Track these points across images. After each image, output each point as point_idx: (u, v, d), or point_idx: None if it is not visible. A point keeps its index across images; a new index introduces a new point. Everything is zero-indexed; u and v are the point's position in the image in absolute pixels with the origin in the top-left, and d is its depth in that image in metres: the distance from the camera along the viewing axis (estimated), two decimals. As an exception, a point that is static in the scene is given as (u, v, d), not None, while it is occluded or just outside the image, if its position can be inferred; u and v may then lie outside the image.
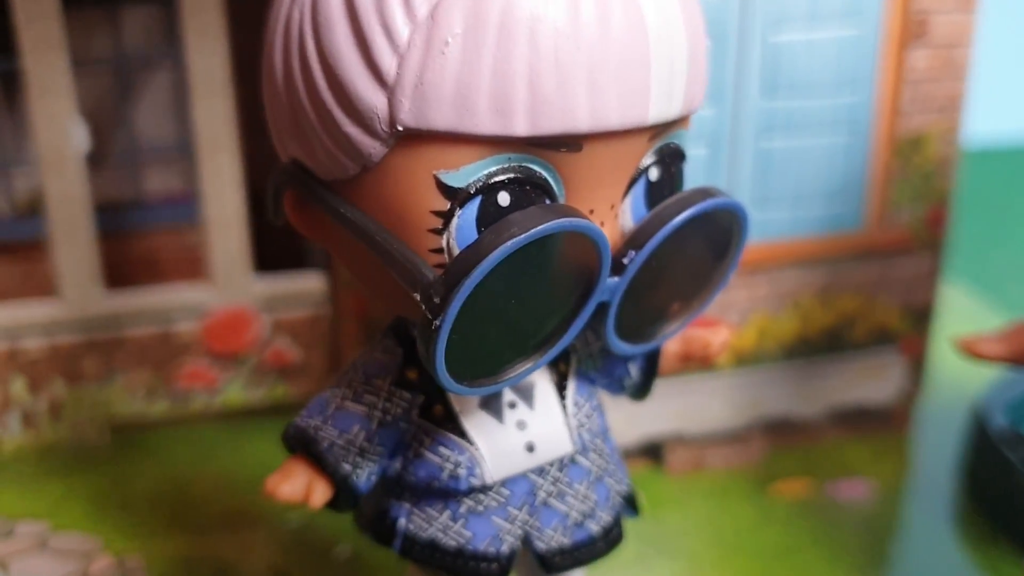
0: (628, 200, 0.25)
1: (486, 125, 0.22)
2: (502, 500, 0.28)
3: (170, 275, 0.52)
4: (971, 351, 0.39)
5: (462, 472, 0.27)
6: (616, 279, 0.24)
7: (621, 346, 0.26)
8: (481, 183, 0.23)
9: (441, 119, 0.22)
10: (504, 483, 0.28)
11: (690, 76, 0.24)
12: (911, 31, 0.43)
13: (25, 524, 0.43)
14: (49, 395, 0.50)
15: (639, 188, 0.25)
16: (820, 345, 0.47)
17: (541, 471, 0.28)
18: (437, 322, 0.22)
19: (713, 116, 0.42)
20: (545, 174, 0.23)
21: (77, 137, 0.47)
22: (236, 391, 0.51)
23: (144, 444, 0.49)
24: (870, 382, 0.49)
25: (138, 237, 0.52)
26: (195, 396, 0.51)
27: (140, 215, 0.52)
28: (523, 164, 0.23)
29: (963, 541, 0.43)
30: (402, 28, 0.22)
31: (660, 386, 0.45)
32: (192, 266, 0.52)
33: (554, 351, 0.25)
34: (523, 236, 0.22)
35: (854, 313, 0.47)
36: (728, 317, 0.45)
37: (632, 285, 0.25)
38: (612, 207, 0.25)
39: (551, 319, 0.25)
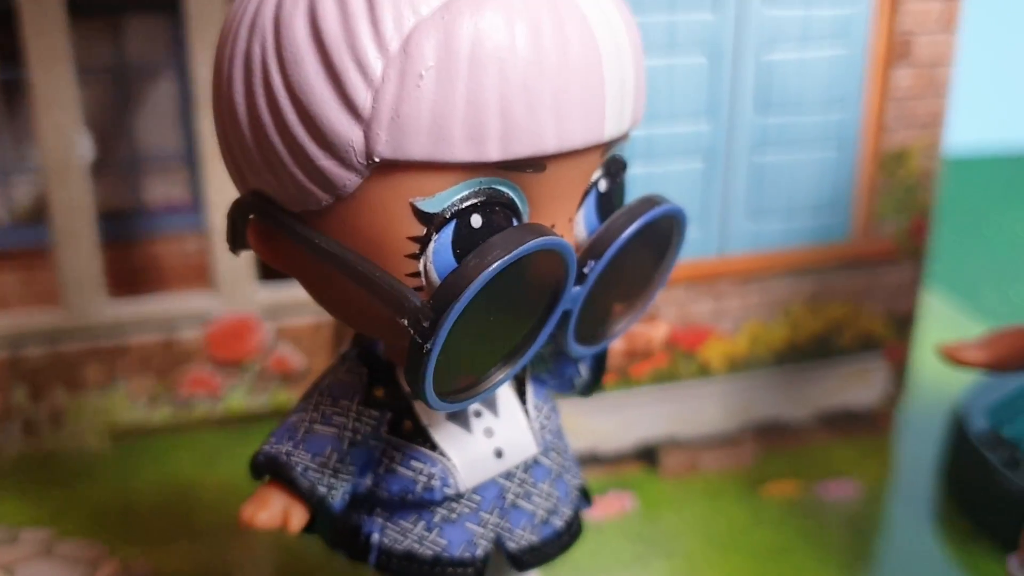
0: (581, 211, 0.27)
1: (462, 152, 0.23)
2: (474, 506, 0.29)
3: (172, 283, 0.52)
4: (953, 357, 0.40)
5: (436, 483, 0.28)
6: (578, 288, 0.26)
7: (578, 349, 0.28)
8: (455, 208, 0.23)
9: (418, 149, 0.23)
10: (475, 489, 0.28)
11: (636, 93, 0.26)
12: (895, 51, 0.45)
13: (29, 531, 0.44)
14: (50, 403, 0.50)
15: (590, 199, 0.27)
16: (809, 351, 0.49)
17: (508, 474, 0.29)
18: (428, 345, 0.23)
19: (709, 131, 0.44)
20: (511, 195, 0.24)
21: (82, 147, 0.47)
22: (239, 398, 0.52)
23: (146, 451, 0.50)
24: (856, 387, 0.51)
25: (140, 245, 0.53)
26: (198, 403, 0.52)
27: (143, 223, 0.52)
28: (492, 187, 0.24)
29: (944, 538, 0.44)
30: (375, 63, 0.22)
31: (655, 391, 0.47)
32: (194, 274, 0.52)
33: (524, 359, 0.26)
34: (507, 257, 0.23)
35: (841, 320, 0.49)
36: (722, 325, 0.47)
37: (589, 291, 0.26)
38: (569, 220, 0.26)
39: (520, 329, 0.26)
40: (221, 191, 0.49)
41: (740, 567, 0.42)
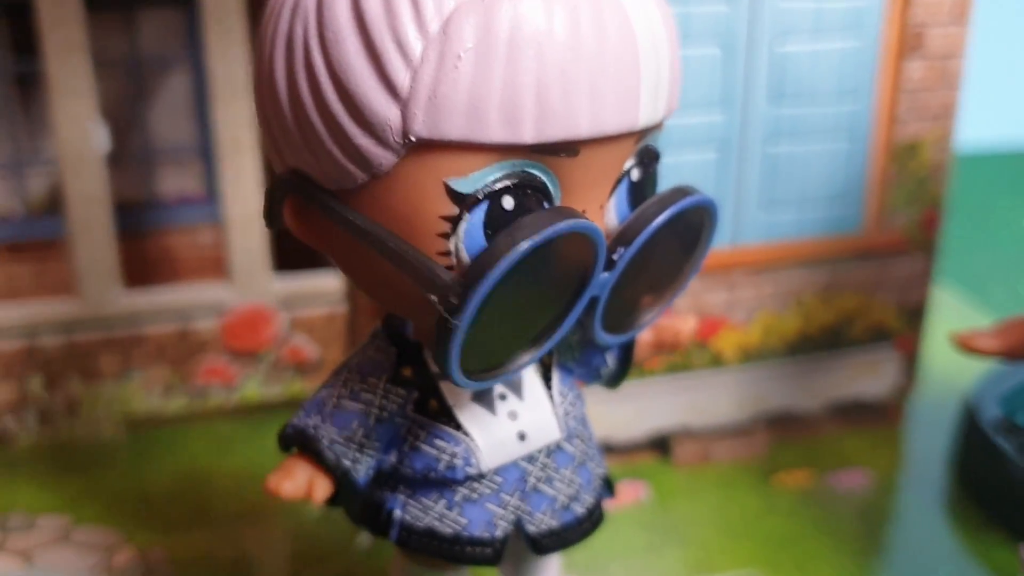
0: (612, 199, 0.27)
1: (496, 134, 0.23)
2: (495, 487, 0.29)
3: (187, 274, 0.52)
4: (967, 346, 0.41)
5: (459, 462, 0.28)
6: (606, 274, 0.26)
7: (605, 337, 0.28)
8: (488, 188, 0.24)
9: (454, 129, 0.23)
10: (497, 471, 0.29)
11: (671, 82, 0.26)
12: (908, 43, 0.45)
13: (46, 518, 0.44)
14: (66, 392, 0.50)
15: (622, 188, 0.27)
16: (821, 342, 0.49)
17: (531, 458, 0.29)
18: (456, 321, 0.23)
19: (723, 122, 0.44)
20: (544, 178, 0.25)
21: (98, 138, 0.47)
22: (253, 387, 0.52)
23: (161, 440, 0.50)
24: (867, 377, 0.51)
25: (155, 236, 0.53)
26: (213, 392, 0.52)
27: (157, 215, 0.53)
28: (526, 169, 0.24)
29: (956, 527, 0.45)
30: (415, 43, 0.23)
31: (668, 381, 0.47)
32: (208, 265, 0.53)
33: (550, 343, 0.26)
34: (537, 238, 0.23)
35: (853, 311, 0.49)
36: (735, 315, 0.47)
37: (618, 279, 0.27)
38: (601, 207, 0.26)
39: (548, 313, 0.26)
40: (235, 183, 0.49)
41: (753, 556, 0.42)
